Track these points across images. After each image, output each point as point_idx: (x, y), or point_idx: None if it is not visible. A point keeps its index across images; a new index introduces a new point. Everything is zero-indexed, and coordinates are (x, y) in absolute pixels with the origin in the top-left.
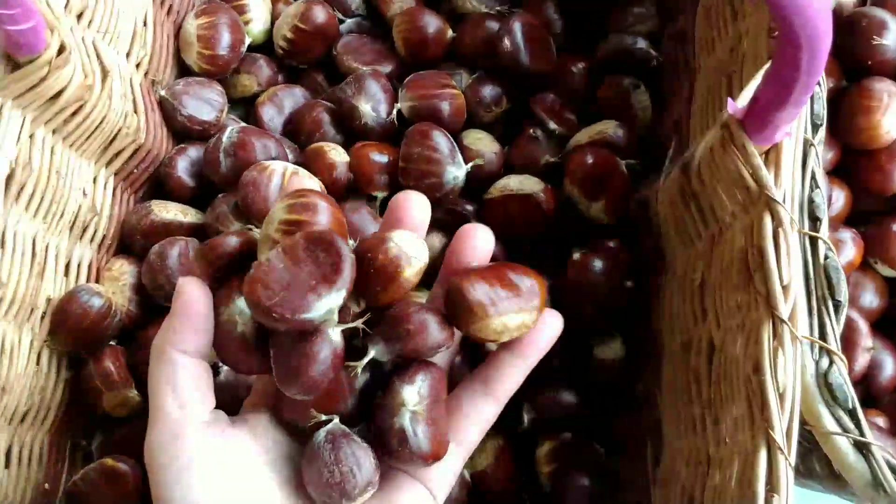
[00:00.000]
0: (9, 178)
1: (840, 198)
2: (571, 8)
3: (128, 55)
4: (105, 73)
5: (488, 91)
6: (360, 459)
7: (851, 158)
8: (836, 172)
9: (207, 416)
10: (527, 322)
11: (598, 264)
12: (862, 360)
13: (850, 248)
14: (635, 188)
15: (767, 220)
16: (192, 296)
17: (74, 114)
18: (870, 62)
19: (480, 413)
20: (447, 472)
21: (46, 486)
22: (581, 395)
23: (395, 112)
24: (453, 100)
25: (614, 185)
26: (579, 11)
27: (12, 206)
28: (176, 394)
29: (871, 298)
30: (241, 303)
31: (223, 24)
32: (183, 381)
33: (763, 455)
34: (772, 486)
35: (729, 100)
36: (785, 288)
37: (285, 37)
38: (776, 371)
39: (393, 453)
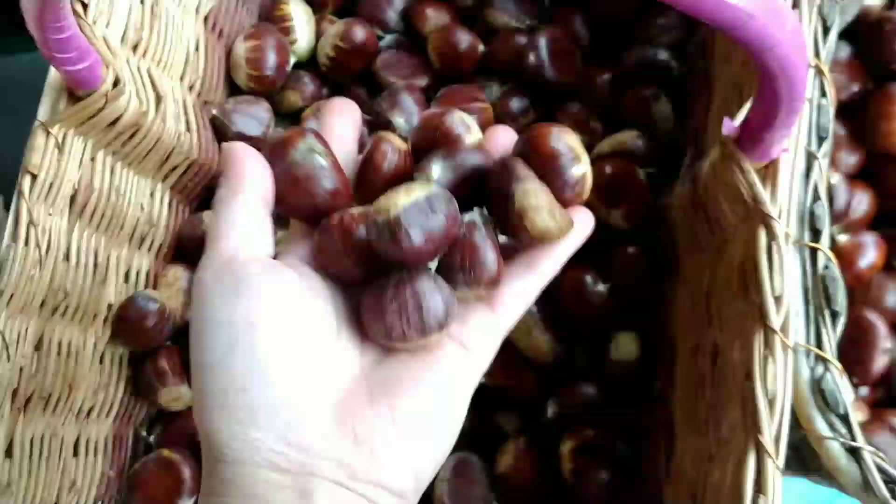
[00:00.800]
0: (73, 199)
1: (864, 201)
2: (598, 19)
3: (181, 78)
4: (159, 99)
5: (516, 103)
6: (439, 283)
7: (876, 162)
8: (862, 175)
9: (266, 256)
10: (581, 157)
11: (617, 269)
12: (880, 362)
13: (871, 252)
14: (656, 195)
15: (762, 234)
16: (245, 152)
17: (131, 137)
18: (893, 66)
19: (522, 282)
20: (485, 335)
21: (111, 473)
22: (603, 392)
23: None
24: (481, 113)
25: (632, 195)
26: (606, 23)
27: (77, 224)
28: (235, 231)
29: (894, 299)
30: (305, 143)
31: (269, 46)
32: (244, 220)
33: (752, 458)
34: (759, 488)
35: (726, 119)
36: (777, 299)
37: (328, 55)
38: (766, 379)
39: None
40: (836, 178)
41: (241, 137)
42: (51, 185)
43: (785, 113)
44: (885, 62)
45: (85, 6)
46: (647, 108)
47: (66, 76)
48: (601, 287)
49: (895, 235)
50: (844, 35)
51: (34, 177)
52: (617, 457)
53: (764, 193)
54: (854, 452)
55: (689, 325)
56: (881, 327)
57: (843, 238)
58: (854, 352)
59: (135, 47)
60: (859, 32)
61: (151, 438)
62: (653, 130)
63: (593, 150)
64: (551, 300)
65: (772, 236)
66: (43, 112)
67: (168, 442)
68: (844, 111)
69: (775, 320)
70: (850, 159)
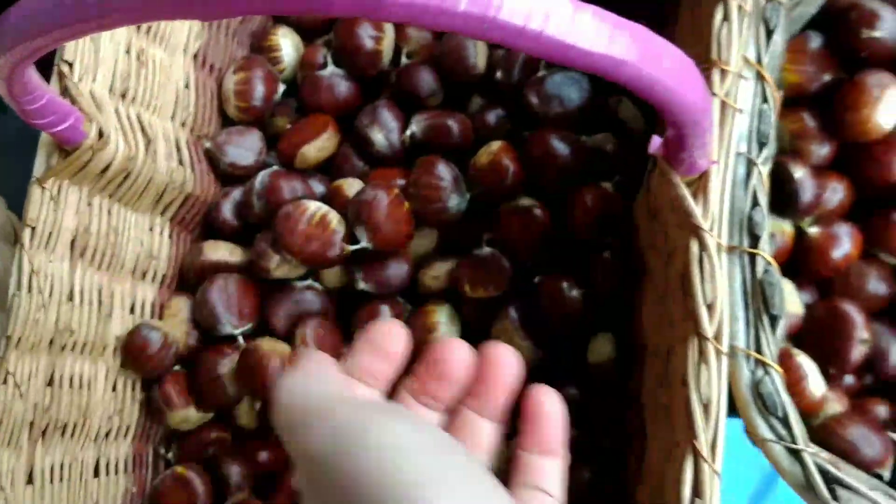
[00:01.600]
0: (72, 244)
1: (838, 191)
2: None
3: (172, 117)
4: (148, 142)
5: (492, 115)
6: None
7: (850, 151)
8: (837, 165)
9: None
10: None
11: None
12: (857, 352)
13: (846, 243)
14: (631, 199)
15: (694, 245)
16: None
17: (124, 180)
18: (862, 54)
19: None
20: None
21: (134, 489)
22: (584, 393)
23: (407, 136)
24: (461, 121)
25: (619, 224)
26: None
27: (78, 266)
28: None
29: (875, 286)
30: None
31: (257, 77)
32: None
33: (690, 462)
34: (697, 492)
35: (654, 137)
36: (710, 307)
37: None
38: (700, 385)
39: None
40: (801, 172)
41: (234, 168)
42: (49, 234)
43: (692, 137)
44: (854, 51)
45: (70, 64)
46: (615, 112)
47: (51, 136)
48: (576, 292)
49: (874, 224)
50: (815, 25)
51: (33, 229)
52: (599, 456)
53: (695, 206)
54: (795, 454)
55: (653, 328)
56: (856, 317)
57: (814, 230)
58: (831, 342)
59: (123, 95)
60: (828, 21)
61: (170, 455)
62: (622, 134)
63: None
64: (530, 307)
65: (703, 247)
66: (38, 167)
67: (183, 458)
68: (816, 102)
69: (708, 328)
70: (822, 150)
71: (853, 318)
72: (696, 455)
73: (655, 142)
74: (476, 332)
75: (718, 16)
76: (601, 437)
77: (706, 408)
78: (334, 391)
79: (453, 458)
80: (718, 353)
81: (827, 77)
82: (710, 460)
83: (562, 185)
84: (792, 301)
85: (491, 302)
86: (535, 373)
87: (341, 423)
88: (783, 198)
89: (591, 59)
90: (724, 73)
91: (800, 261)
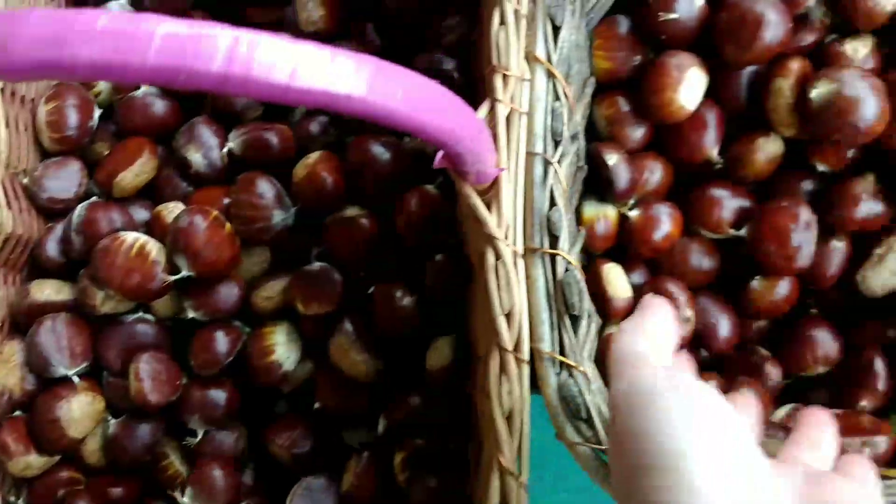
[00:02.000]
0: None
1: (656, 172)
2: (389, 27)
3: None
4: None
5: (315, 124)
6: None
7: (663, 132)
8: (655, 145)
9: None
10: None
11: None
12: (682, 331)
13: (665, 223)
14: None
15: (490, 254)
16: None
17: None
18: (663, 36)
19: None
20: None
21: None
22: (427, 400)
23: (224, 153)
24: (281, 133)
25: (444, 223)
26: (396, 29)
27: None
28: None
29: (698, 261)
30: None
31: (70, 105)
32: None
33: (496, 477)
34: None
35: (440, 150)
36: (508, 316)
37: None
38: (502, 396)
39: None
40: (615, 159)
41: (54, 202)
42: None
43: (464, 154)
44: (654, 34)
45: None
46: None
47: None
48: (409, 299)
49: (691, 202)
50: (623, 7)
51: None
52: (447, 460)
53: (488, 215)
54: (601, 454)
55: (479, 332)
56: (678, 296)
57: (634, 213)
58: None
59: None
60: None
61: (20, 502)
62: None
63: None
64: (365, 319)
65: (498, 255)
66: None
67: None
68: (630, 85)
69: (506, 338)
70: (637, 133)
71: (675, 297)
72: (502, 470)
73: (439, 156)
74: (318, 349)
75: (495, 21)
76: (446, 443)
77: (509, 420)
78: (650, 350)
79: (721, 433)
80: (519, 362)
81: (637, 60)
82: (516, 473)
83: (386, 191)
84: (620, 285)
85: (329, 316)
86: (376, 385)
87: (640, 383)
88: (602, 184)
89: (311, 97)
90: (505, 77)
91: (625, 244)
